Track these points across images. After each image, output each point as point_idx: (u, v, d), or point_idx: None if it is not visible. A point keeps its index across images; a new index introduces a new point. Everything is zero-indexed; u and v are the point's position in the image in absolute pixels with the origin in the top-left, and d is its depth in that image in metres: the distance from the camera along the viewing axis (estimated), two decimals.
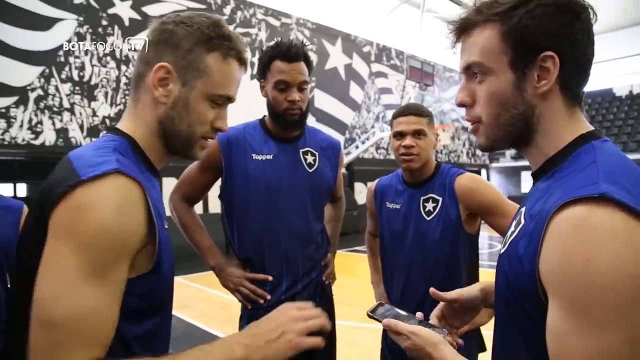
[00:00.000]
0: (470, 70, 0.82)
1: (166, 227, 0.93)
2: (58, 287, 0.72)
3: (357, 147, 14.58)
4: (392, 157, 16.69)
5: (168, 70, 0.90)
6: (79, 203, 0.75)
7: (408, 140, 1.72)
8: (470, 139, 20.31)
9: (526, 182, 19.32)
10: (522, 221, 0.76)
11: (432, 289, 1.08)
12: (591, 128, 0.78)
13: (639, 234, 0.60)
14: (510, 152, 21.54)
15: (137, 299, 0.83)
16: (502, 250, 0.80)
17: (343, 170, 10.83)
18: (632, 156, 12.14)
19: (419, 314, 0.99)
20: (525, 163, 20.49)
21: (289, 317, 0.87)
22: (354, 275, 6.68)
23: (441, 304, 1.08)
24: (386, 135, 14.79)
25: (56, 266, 0.73)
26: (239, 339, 0.84)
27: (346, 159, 13.58)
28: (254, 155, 1.72)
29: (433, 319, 1.05)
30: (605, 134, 0.79)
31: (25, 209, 1.84)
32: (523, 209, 0.79)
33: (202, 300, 6.16)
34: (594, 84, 20.02)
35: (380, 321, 0.96)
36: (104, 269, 0.75)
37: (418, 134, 1.72)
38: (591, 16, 0.76)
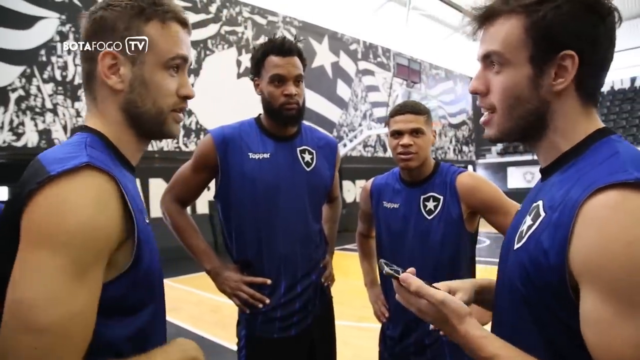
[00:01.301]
0: (488, 59, 0.81)
1: (147, 221, 0.91)
2: (42, 291, 0.69)
3: (344, 145, 14.56)
4: (380, 155, 16.71)
5: (114, 55, 0.87)
6: (51, 201, 0.71)
7: (406, 139, 1.68)
8: (457, 135, 20.45)
9: (512, 178, 19.50)
10: (542, 214, 0.74)
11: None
12: (604, 125, 0.78)
13: None
14: (497, 148, 21.76)
15: (120, 297, 0.81)
16: (518, 245, 0.78)
17: None
18: None
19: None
20: (511, 159, 20.78)
21: None
22: (344, 274, 6.60)
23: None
24: (374, 133, 14.80)
25: (36, 269, 0.70)
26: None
27: None
28: (250, 154, 1.67)
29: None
30: None
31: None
32: (540, 202, 0.77)
33: (191, 303, 6.09)
34: None
35: (397, 276, 0.84)
36: (85, 268, 0.72)
37: (416, 132, 1.69)
38: (616, 20, 0.74)
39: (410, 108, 1.71)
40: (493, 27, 0.79)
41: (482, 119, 0.86)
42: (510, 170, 19.98)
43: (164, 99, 0.92)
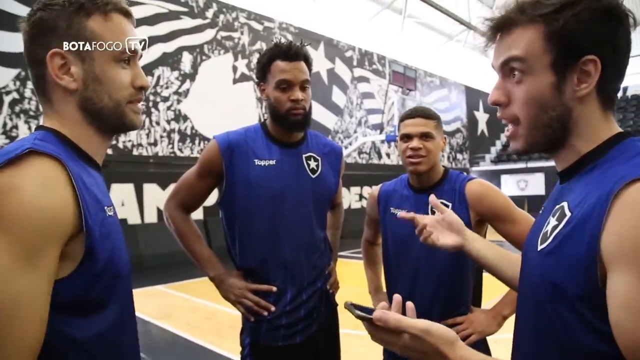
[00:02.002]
0: (507, 67, 0.80)
1: (110, 214, 0.91)
2: None
3: None
4: (375, 162, 16.74)
5: (62, 55, 0.87)
6: None
7: (415, 142, 1.68)
8: (451, 143, 20.53)
9: (506, 186, 19.58)
10: (568, 213, 0.74)
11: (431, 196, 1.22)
12: (621, 130, 0.79)
13: None
14: (490, 155, 21.88)
15: (80, 293, 0.81)
16: (542, 247, 0.77)
17: None
18: None
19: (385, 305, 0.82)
20: (505, 167, 20.85)
21: None
22: (341, 281, 6.61)
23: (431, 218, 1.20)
24: (369, 140, 14.81)
25: None
26: None
27: None
28: (256, 160, 1.65)
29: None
30: None
31: None
32: (564, 204, 0.77)
33: (186, 310, 6.01)
34: None
35: (362, 316, 0.77)
36: (33, 251, 0.72)
37: (425, 136, 1.68)
38: (631, 23, 0.76)
39: (421, 112, 1.71)
40: (510, 36, 0.79)
41: (508, 133, 0.85)
42: (504, 177, 20.08)
43: (119, 92, 0.91)
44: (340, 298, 1.42)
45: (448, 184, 1.74)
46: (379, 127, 15.34)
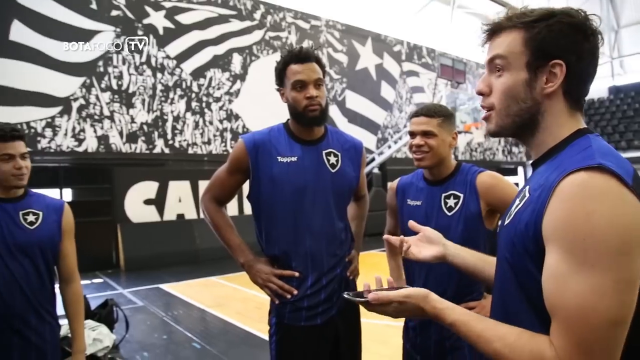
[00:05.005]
0: (492, 63, 0.96)
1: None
2: None
3: (389, 147, 14.53)
4: None
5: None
6: None
7: (417, 140, 1.81)
8: None
9: None
10: (527, 195, 0.88)
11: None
12: (585, 126, 0.92)
13: (628, 196, 0.74)
14: None
15: None
16: (507, 221, 0.93)
17: (376, 170, 10.78)
18: None
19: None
20: None
21: None
22: (384, 275, 6.67)
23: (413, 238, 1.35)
24: None
25: None
26: None
27: (378, 159, 13.55)
28: (279, 157, 1.81)
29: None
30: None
31: (67, 207, 2.00)
32: (527, 187, 0.92)
33: (237, 299, 6.33)
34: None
35: (359, 301, 0.98)
36: None
37: (426, 134, 1.80)
38: (599, 40, 0.89)
39: (425, 111, 1.82)
40: (499, 38, 0.94)
41: (482, 115, 1.01)
42: None
43: None
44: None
45: (460, 176, 1.84)
46: None
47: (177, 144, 10.68)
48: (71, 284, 2.00)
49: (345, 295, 1.01)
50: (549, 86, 0.89)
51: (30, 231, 1.85)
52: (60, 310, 1.98)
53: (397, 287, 1.05)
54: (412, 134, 1.83)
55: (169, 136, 10.57)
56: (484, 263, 1.24)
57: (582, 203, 0.74)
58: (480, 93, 0.99)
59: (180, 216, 10.27)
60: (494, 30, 0.96)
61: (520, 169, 21.05)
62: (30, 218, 1.87)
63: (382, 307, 0.98)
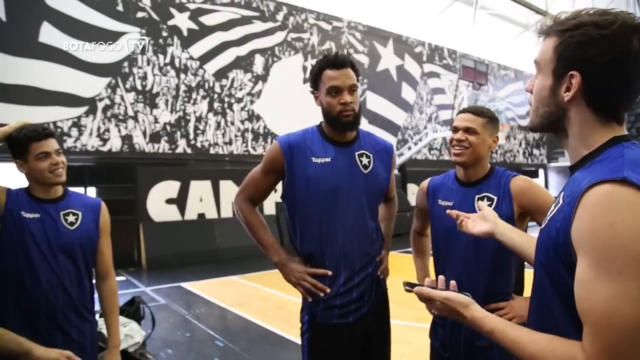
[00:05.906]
0: (535, 65, 1.02)
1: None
2: None
3: (409, 148, 14.48)
4: (446, 158, 16.38)
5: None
6: None
7: (459, 134, 1.83)
8: (527, 138, 19.66)
9: None
10: (561, 202, 0.92)
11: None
12: (625, 133, 0.93)
13: None
14: None
15: None
16: (543, 226, 0.97)
17: (396, 171, 10.70)
18: None
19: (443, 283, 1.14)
20: None
21: None
22: (407, 276, 6.63)
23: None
24: (439, 136, 14.57)
25: None
26: None
27: (399, 161, 13.51)
28: (313, 158, 1.84)
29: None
30: None
31: (103, 206, 2.04)
32: (562, 194, 0.94)
33: (258, 299, 6.37)
34: None
35: (410, 290, 1.11)
36: None
37: (468, 130, 1.82)
38: (633, 48, 0.85)
39: (472, 109, 1.87)
40: (544, 42, 0.99)
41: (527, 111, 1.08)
42: None
43: None
44: (397, 291, 1.60)
45: (494, 179, 1.85)
46: (450, 123, 15.05)
47: (199, 144, 10.81)
48: (107, 280, 2.04)
49: (405, 283, 1.14)
50: (567, 95, 0.92)
51: (71, 231, 1.89)
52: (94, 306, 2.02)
53: (444, 288, 1.13)
54: (455, 129, 1.86)
55: (191, 136, 10.71)
56: (531, 246, 1.25)
57: (605, 214, 0.78)
58: (527, 90, 1.06)
59: (201, 215, 10.38)
60: (541, 33, 1.00)
61: (541, 171, 20.76)
62: (71, 218, 1.91)
63: (427, 302, 1.09)
